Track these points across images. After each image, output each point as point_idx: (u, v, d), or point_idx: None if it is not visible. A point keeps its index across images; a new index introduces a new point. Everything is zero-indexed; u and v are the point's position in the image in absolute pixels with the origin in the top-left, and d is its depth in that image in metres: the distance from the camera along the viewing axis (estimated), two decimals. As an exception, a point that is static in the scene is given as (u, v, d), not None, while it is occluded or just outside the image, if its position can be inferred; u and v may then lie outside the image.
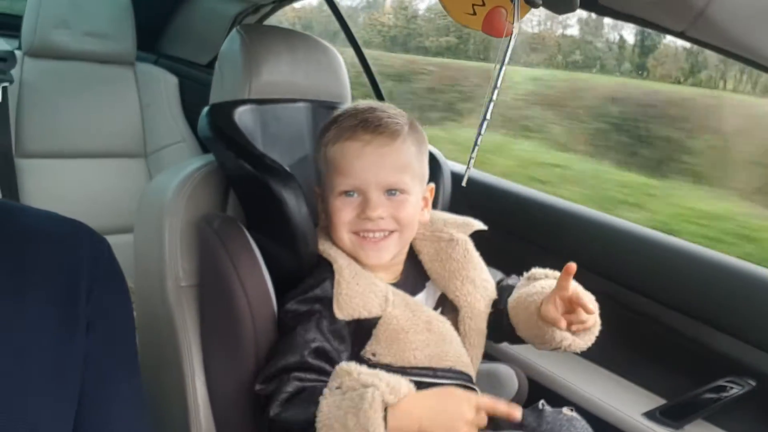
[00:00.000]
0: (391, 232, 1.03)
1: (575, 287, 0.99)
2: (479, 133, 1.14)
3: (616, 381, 1.40)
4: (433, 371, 1.00)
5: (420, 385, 0.96)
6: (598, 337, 1.40)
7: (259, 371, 0.99)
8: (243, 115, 1.13)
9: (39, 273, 0.69)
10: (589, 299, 0.99)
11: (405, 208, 1.03)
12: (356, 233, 1.03)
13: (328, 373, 0.93)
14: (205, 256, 1.05)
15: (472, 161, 1.17)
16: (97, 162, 2.29)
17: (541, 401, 1.07)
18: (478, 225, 1.15)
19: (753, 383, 1.20)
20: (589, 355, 1.46)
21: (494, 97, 1.11)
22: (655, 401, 1.32)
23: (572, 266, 0.97)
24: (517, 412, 0.88)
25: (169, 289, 1.07)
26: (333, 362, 0.95)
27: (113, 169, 2.30)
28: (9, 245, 0.69)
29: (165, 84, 2.41)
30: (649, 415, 1.28)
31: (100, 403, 0.71)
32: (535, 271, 1.14)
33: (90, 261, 0.73)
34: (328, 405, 0.87)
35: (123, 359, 0.75)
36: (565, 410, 1.06)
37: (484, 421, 0.87)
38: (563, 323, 0.99)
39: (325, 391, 0.89)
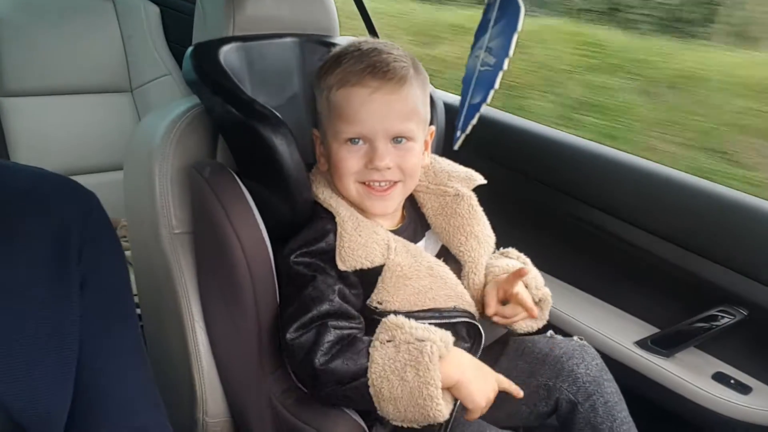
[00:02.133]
0: (396, 182, 1.02)
1: (520, 291, 1.06)
2: (484, 100, 1.09)
3: (610, 311, 1.42)
4: (439, 312, 1.02)
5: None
6: (592, 268, 1.43)
7: (258, 316, 1.00)
8: (228, 55, 1.09)
9: (28, 234, 0.68)
10: (530, 305, 1.06)
11: (410, 158, 1.02)
12: (362, 183, 1.02)
13: (354, 317, 0.97)
14: (198, 205, 1.04)
15: (470, 128, 1.14)
16: (83, 98, 2.22)
17: (550, 331, 1.14)
18: (480, 179, 1.15)
19: (745, 312, 1.21)
20: (583, 284, 1.48)
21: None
22: (648, 330, 1.34)
23: (524, 270, 1.06)
24: (521, 392, 1.00)
25: (163, 237, 1.06)
26: (353, 306, 0.98)
27: (99, 106, 2.24)
28: None
29: (146, 14, 2.31)
30: (641, 343, 1.31)
31: (99, 357, 0.71)
32: (510, 250, 1.19)
33: (79, 218, 0.72)
34: (381, 357, 0.91)
35: (120, 312, 0.75)
36: (576, 338, 1.12)
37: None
38: (491, 311, 1.08)
39: (376, 343, 0.92)
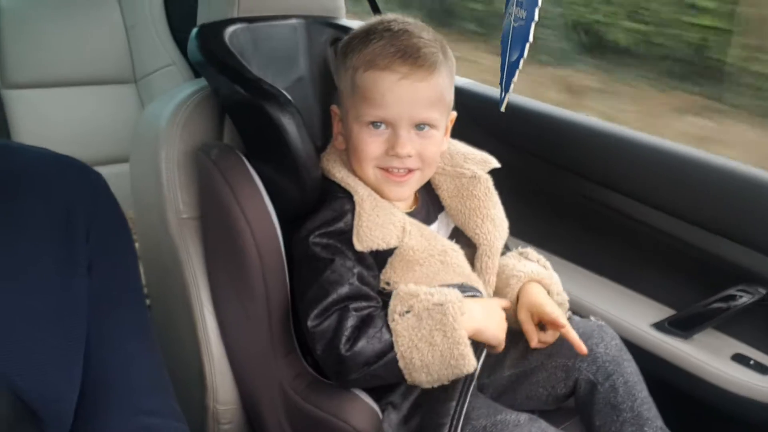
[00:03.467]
0: (415, 170, 1.01)
1: (567, 329, 1.02)
2: (521, 56, 1.06)
3: (625, 293, 1.40)
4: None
5: None
6: (606, 250, 1.41)
7: (268, 301, 0.99)
8: (234, 36, 1.07)
9: (33, 216, 0.67)
10: (578, 342, 1.01)
11: (431, 145, 1.00)
12: (381, 168, 1.00)
13: (373, 298, 0.96)
14: (205, 188, 1.03)
15: (512, 86, 1.11)
16: (86, 90, 2.20)
17: (567, 312, 1.10)
18: (494, 163, 1.13)
19: (763, 291, 1.20)
20: (597, 267, 1.46)
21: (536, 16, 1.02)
22: (665, 312, 1.32)
23: (561, 326, 1.01)
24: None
25: (171, 222, 1.05)
26: (372, 288, 0.97)
27: (103, 97, 2.22)
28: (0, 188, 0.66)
29: (149, 3, 2.28)
30: (658, 325, 1.29)
31: (106, 340, 0.70)
32: (529, 251, 1.17)
33: (86, 199, 0.70)
34: (405, 329, 0.91)
35: (127, 294, 0.74)
36: (593, 319, 1.11)
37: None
38: (534, 343, 1.05)
39: (395, 316, 0.92)
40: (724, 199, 1.26)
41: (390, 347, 0.90)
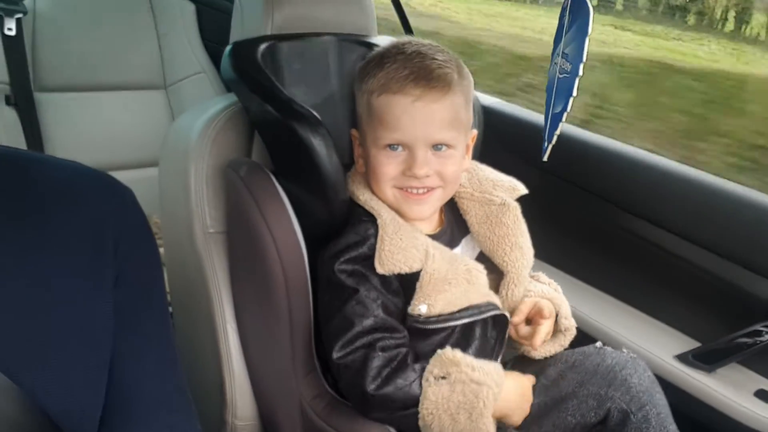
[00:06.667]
0: (435, 188, 1.01)
1: (545, 326, 1.07)
2: (565, 109, 1.06)
3: (650, 323, 1.38)
4: (478, 308, 1.01)
5: (467, 326, 1.01)
6: (631, 278, 1.39)
7: (291, 319, 0.99)
8: (266, 54, 1.08)
9: (63, 230, 0.67)
10: (536, 342, 1.06)
11: (450, 165, 1.00)
12: (400, 188, 1.00)
13: (398, 330, 0.96)
14: (232, 204, 1.03)
15: (555, 138, 1.12)
16: (117, 95, 2.23)
17: (598, 342, 1.12)
18: (523, 189, 1.13)
19: (791, 329, 1.17)
20: (622, 294, 1.45)
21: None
22: (689, 344, 1.30)
23: (540, 320, 1.08)
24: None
25: (197, 236, 1.06)
26: (396, 317, 0.97)
27: (133, 102, 2.25)
28: (30, 201, 0.67)
29: (181, 11, 2.31)
30: (681, 357, 1.27)
31: (130, 353, 0.70)
32: (540, 275, 1.18)
33: (115, 214, 0.71)
34: (435, 394, 0.91)
35: (152, 310, 0.74)
36: (625, 351, 1.10)
37: None
38: (518, 319, 1.08)
39: (430, 378, 0.92)
40: (754, 234, 1.24)
41: (415, 403, 0.91)
